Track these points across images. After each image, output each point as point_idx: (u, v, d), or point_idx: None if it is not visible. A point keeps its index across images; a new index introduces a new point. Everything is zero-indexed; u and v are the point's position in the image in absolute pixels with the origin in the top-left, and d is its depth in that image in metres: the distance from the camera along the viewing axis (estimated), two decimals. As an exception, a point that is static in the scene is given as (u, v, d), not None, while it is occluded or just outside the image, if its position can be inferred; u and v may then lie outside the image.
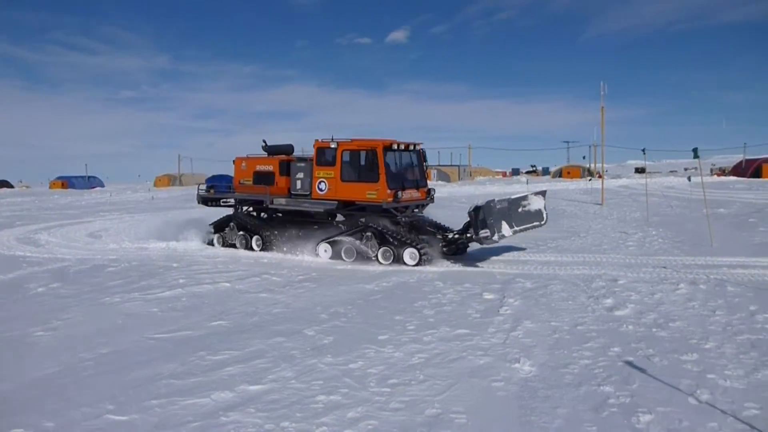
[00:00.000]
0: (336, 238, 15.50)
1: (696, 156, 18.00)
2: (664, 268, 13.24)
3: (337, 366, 7.22)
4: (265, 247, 16.96)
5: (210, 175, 59.28)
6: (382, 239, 14.85)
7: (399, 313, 9.77)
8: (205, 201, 19.43)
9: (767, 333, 8.28)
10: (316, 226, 16.77)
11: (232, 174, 18.50)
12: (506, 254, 15.62)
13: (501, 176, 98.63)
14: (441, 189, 36.94)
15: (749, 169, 61.75)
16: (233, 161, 18.05)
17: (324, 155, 15.67)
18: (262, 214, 18.10)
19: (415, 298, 10.81)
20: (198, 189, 19.58)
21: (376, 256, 14.80)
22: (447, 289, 11.58)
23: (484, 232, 13.57)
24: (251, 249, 17.18)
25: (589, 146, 74.86)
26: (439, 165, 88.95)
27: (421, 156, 16.29)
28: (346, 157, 15.44)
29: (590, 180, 60.70)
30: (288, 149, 17.45)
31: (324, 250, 15.69)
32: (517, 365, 7.13)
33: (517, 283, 11.94)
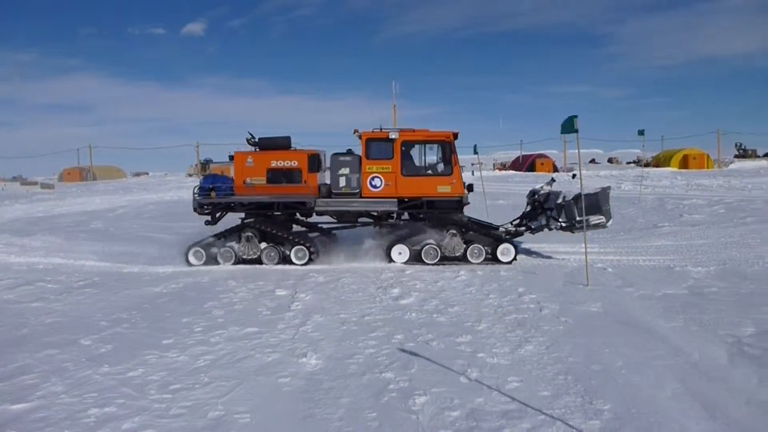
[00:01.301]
0: (411, 239, 14.05)
1: (476, 152, 19.64)
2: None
3: (114, 376, 6.79)
4: (311, 260, 14.09)
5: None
6: (465, 236, 13.98)
7: (187, 315, 9.43)
8: (203, 207, 14.86)
9: (531, 312, 9.19)
10: (312, 231, 15.73)
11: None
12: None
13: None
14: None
15: (525, 164, 68.25)
16: (229, 156, 14.89)
17: (377, 148, 14.06)
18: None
19: (205, 299, 10.51)
20: (193, 193, 14.93)
21: (464, 254, 13.88)
22: (240, 287, 11.40)
23: (597, 219, 13.56)
24: (288, 263, 14.10)
25: (386, 143, 77.55)
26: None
27: None
28: (408, 149, 14.21)
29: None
30: (285, 142, 14.94)
31: (399, 252, 13.94)
32: (304, 359, 7.21)
33: (311, 278, 12.09)
